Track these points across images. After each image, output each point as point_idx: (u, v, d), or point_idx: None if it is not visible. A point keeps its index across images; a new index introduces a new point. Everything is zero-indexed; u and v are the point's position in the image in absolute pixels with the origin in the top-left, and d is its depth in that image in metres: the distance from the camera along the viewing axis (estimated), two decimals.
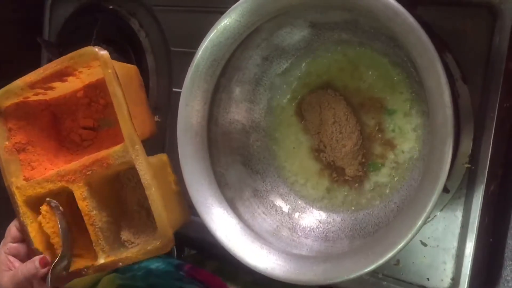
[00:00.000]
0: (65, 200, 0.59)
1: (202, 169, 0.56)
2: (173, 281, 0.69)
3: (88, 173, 0.55)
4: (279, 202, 0.59)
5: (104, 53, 0.54)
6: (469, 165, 0.51)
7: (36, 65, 0.87)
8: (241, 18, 0.52)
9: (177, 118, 0.56)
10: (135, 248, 0.55)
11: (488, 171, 0.50)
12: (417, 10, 0.53)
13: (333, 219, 0.56)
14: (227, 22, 0.53)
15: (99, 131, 0.64)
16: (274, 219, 0.57)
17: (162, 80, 0.73)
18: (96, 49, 0.54)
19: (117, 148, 0.54)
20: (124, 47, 0.76)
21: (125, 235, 0.58)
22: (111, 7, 0.77)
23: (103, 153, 0.55)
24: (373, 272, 0.55)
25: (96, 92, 0.62)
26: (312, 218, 0.57)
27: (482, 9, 0.50)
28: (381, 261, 0.44)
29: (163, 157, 0.59)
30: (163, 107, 0.73)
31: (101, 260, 0.56)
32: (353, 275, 0.46)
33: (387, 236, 0.44)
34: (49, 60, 0.84)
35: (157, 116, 0.73)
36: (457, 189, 0.52)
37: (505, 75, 0.49)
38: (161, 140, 0.72)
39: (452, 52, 0.51)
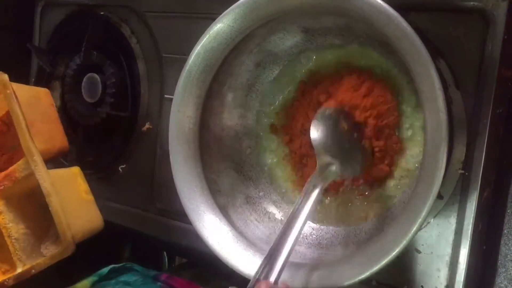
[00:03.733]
0: None
1: (194, 176, 0.55)
2: None
3: (0, 188, 0.60)
4: (272, 209, 0.58)
5: (4, 76, 0.61)
6: (462, 171, 0.50)
7: (26, 71, 0.87)
8: (234, 23, 0.52)
9: (169, 125, 0.56)
10: (45, 256, 0.60)
11: (481, 178, 0.50)
12: (410, 16, 0.52)
13: (326, 226, 0.55)
14: (219, 27, 0.52)
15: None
16: (267, 226, 0.57)
17: (154, 86, 0.72)
18: None
19: (20, 161, 0.59)
20: (115, 54, 0.75)
21: (47, 244, 0.62)
22: (102, 13, 0.77)
23: (10, 168, 0.60)
24: (367, 280, 0.54)
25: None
26: (305, 225, 0.56)
27: (474, 15, 0.50)
28: (375, 268, 0.44)
29: (75, 170, 0.65)
30: (155, 114, 0.72)
31: (19, 269, 0.59)
32: (347, 283, 0.45)
33: (381, 243, 0.44)
34: (39, 67, 0.83)
35: (148, 123, 0.73)
36: (451, 196, 0.51)
37: (498, 81, 0.49)
38: (152, 147, 0.72)
39: (445, 58, 0.51)
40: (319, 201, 0.51)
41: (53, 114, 0.69)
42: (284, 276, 0.49)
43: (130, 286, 0.70)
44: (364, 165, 0.53)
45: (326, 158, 0.51)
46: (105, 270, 0.72)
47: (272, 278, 0.44)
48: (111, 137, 0.77)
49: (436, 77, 0.41)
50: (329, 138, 0.51)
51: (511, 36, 0.49)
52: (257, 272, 0.45)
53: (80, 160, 0.78)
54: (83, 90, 0.77)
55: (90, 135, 0.80)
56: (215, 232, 0.53)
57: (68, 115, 0.81)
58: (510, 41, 0.49)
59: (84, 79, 0.77)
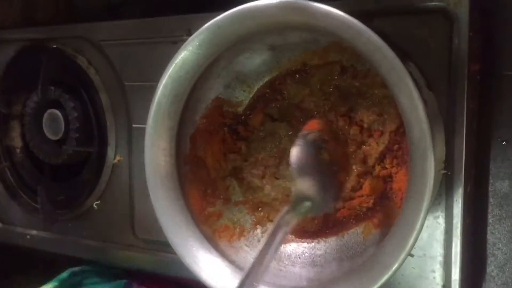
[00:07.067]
0: None
1: (177, 210, 0.53)
2: None
3: None
4: (261, 232, 0.57)
5: None
6: (445, 171, 0.50)
7: None
8: (200, 49, 0.50)
9: (144, 161, 0.54)
10: None
11: (464, 174, 0.50)
12: (374, 23, 0.52)
13: (318, 242, 0.55)
14: (185, 55, 0.50)
15: None
16: (256, 250, 0.56)
17: (120, 117, 0.70)
18: None
19: None
20: (74, 87, 0.72)
21: None
22: (54, 46, 0.74)
23: None
24: None
25: None
26: (296, 244, 0.56)
27: (437, 15, 0.50)
28: (376, 286, 0.43)
29: None
30: (124, 145, 0.70)
31: None
32: None
33: (379, 259, 0.43)
34: None
35: (118, 155, 0.70)
36: (437, 196, 0.51)
37: (469, 77, 0.50)
38: (127, 179, 0.69)
39: (414, 60, 0.51)
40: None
41: None
42: None
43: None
44: (336, 201, 0.51)
45: (303, 186, 0.47)
46: (64, 274, 0.70)
47: None
48: (81, 173, 0.74)
49: (414, 88, 0.40)
50: (309, 166, 0.47)
51: (475, 32, 0.50)
52: None
53: (51, 201, 0.75)
54: (44, 128, 0.74)
55: (58, 174, 0.77)
56: (206, 265, 0.51)
57: (32, 155, 0.78)
58: (475, 37, 0.50)
59: (45, 116, 0.74)
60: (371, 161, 0.52)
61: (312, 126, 0.50)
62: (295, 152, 0.47)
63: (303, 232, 0.55)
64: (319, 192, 0.47)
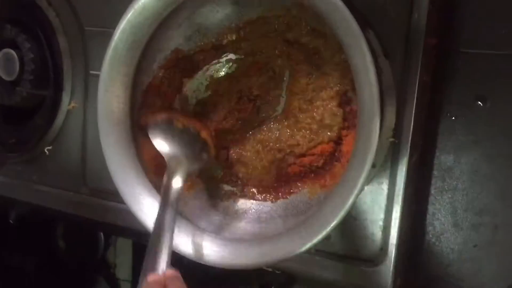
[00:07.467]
0: None
1: (128, 158, 0.53)
2: None
3: None
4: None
5: None
6: (393, 139, 0.52)
7: None
8: None
9: (97, 106, 0.53)
10: None
11: (410, 144, 0.52)
12: None
13: (264, 200, 0.56)
14: (145, 1, 0.49)
15: None
16: (205, 203, 0.56)
17: (77, 62, 0.68)
18: None
19: None
20: (32, 28, 0.70)
21: None
22: None
23: None
24: None
25: None
26: (244, 200, 0.57)
27: None
28: (315, 241, 0.45)
29: None
30: (80, 91, 0.68)
31: None
32: (289, 256, 0.46)
33: (320, 215, 0.45)
34: None
35: (73, 101, 0.69)
36: (383, 163, 0.53)
37: (424, 50, 0.51)
38: (80, 126, 0.69)
39: (373, 28, 0.52)
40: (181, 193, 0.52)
41: None
42: (225, 254, 0.49)
43: None
44: (208, 153, 0.56)
45: (172, 158, 0.53)
46: None
47: (160, 270, 0.45)
48: (34, 118, 0.72)
49: (367, 51, 0.41)
50: (168, 139, 0.54)
51: (435, 7, 0.51)
52: (143, 267, 0.45)
53: (2, 143, 0.74)
54: None
55: (10, 116, 0.75)
56: (153, 214, 0.52)
57: None
58: (435, 12, 0.51)
59: None
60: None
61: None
62: (151, 135, 0.54)
63: (259, 187, 0.56)
64: (186, 152, 0.54)
